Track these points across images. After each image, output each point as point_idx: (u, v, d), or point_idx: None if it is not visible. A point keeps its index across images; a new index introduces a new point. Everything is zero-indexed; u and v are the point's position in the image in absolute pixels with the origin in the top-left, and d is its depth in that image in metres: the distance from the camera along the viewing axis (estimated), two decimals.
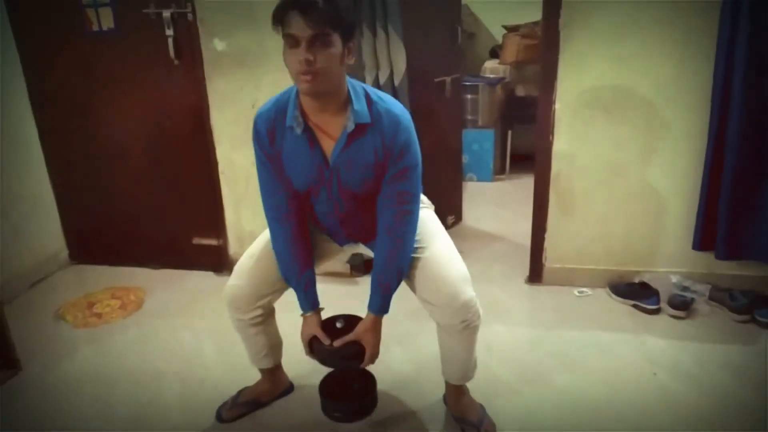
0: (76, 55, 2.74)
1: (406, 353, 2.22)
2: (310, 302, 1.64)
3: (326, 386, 1.72)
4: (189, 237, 2.96)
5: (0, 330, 2.13)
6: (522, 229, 2.94)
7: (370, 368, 1.69)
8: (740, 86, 2.18)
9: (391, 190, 1.52)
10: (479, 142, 4.35)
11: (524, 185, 3.77)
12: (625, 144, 2.46)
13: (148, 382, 2.12)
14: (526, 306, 2.60)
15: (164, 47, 2.61)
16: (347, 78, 1.48)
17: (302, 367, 2.08)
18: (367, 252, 1.79)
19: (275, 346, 1.88)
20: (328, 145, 1.50)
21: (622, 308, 2.50)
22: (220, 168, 2.81)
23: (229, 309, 1.75)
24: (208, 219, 2.90)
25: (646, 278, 2.53)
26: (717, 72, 2.23)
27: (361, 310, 1.67)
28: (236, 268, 1.75)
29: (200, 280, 2.90)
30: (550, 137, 2.51)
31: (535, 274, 2.73)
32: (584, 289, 2.64)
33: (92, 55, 2.73)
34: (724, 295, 2.40)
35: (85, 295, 2.74)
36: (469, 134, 4.18)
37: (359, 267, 2.82)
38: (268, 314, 1.80)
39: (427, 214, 1.72)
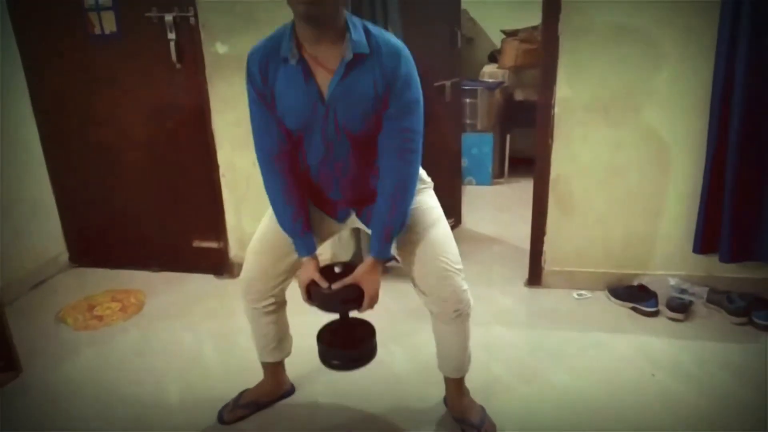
0: (78, 58, 2.76)
1: (406, 353, 2.23)
2: (306, 247, 1.61)
3: (325, 335, 1.69)
4: (189, 240, 2.97)
5: (1, 332, 2.13)
6: (521, 233, 2.96)
7: (369, 314, 1.66)
8: (741, 87, 2.19)
9: (393, 128, 1.47)
10: (478, 145, 4.37)
11: (523, 189, 3.80)
12: (624, 147, 2.48)
13: (149, 385, 2.13)
14: (525, 309, 2.61)
15: (166, 51, 2.62)
16: (346, 12, 1.44)
17: (303, 370, 2.10)
18: (365, 228, 1.74)
19: (284, 339, 1.90)
20: (324, 78, 1.44)
21: (621, 311, 2.51)
22: (221, 171, 2.82)
23: (243, 299, 1.80)
24: (208, 222, 2.91)
25: (644, 281, 2.55)
26: (717, 73, 2.24)
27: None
28: (245, 260, 1.78)
29: (201, 282, 2.91)
30: (550, 141, 2.53)
31: (535, 277, 2.74)
32: (583, 292, 2.65)
33: (94, 59, 2.74)
34: (721, 298, 2.42)
35: (85, 297, 2.75)
36: (468, 138, 4.20)
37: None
38: (281, 303, 1.82)
39: (426, 198, 1.68)
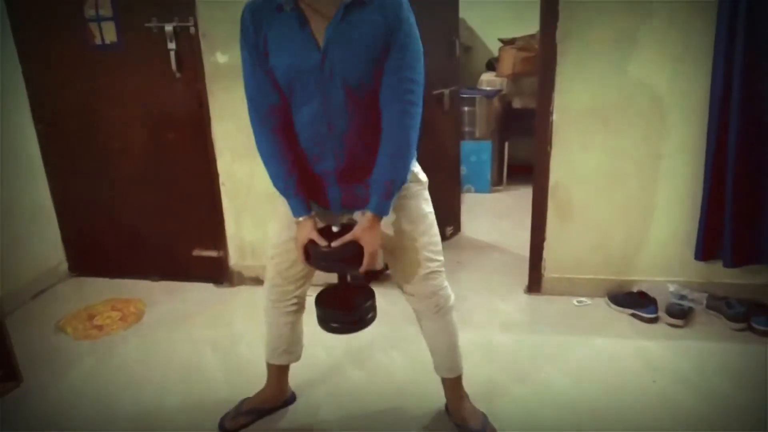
0: (78, 68, 2.77)
1: (406, 359, 2.24)
2: (301, 207, 1.58)
3: (323, 298, 1.66)
4: (189, 248, 2.97)
5: (1, 342, 2.13)
6: (520, 240, 2.96)
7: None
8: (739, 93, 2.21)
9: (395, 79, 1.44)
10: (477, 153, 4.39)
11: (522, 196, 3.81)
12: (622, 154, 2.50)
13: (150, 394, 2.13)
14: (525, 315, 2.61)
15: (166, 60, 2.64)
16: None
17: (305, 378, 2.10)
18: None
19: (295, 343, 1.90)
20: (320, 26, 1.42)
21: (620, 317, 2.52)
22: (221, 180, 2.82)
23: (267, 299, 1.82)
24: (208, 231, 2.91)
25: (644, 287, 2.55)
26: (715, 79, 2.26)
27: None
28: (267, 271, 1.80)
29: (201, 291, 2.91)
30: (548, 148, 2.54)
31: (534, 284, 2.75)
32: (583, 299, 2.66)
33: (94, 69, 2.75)
34: (721, 304, 2.42)
35: (85, 307, 2.74)
36: (466, 146, 4.21)
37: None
38: (301, 306, 1.83)
39: (422, 204, 1.66)
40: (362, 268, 1.55)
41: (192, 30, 2.59)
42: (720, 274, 2.52)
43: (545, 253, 2.69)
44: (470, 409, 1.86)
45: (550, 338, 2.39)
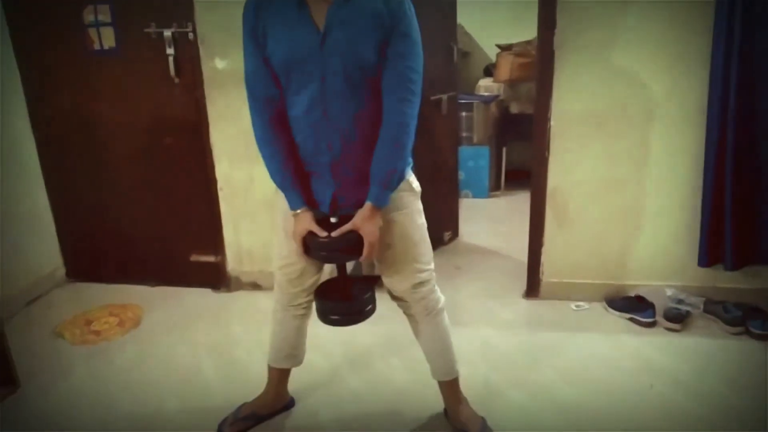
0: (77, 74, 2.77)
1: (405, 365, 2.24)
2: (298, 199, 1.58)
3: (323, 290, 1.67)
4: (187, 254, 2.97)
5: None
6: (518, 245, 2.97)
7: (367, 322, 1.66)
8: (736, 97, 2.23)
9: (395, 68, 1.46)
10: (475, 159, 4.40)
11: (519, 201, 3.82)
12: (619, 159, 2.51)
13: (148, 399, 2.12)
14: (524, 320, 2.62)
15: (165, 66, 2.65)
16: None
17: (303, 383, 2.09)
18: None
19: (299, 348, 1.91)
20: (321, 10, 1.44)
21: (618, 321, 2.52)
22: (219, 185, 2.83)
23: (277, 303, 1.83)
24: (206, 236, 2.91)
25: (641, 292, 2.56)
26: (713, 83, 2.27)
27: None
28: (276, 277, 1.80)
29: (198, 297, 2.91)
30: (546, 153, 2.55)
31: (533, 288, 2.76)
32: (581, 303, 2.66)
33: (93, 74, 2.76)
34: (718, 308, 2.43)
35: (82, 312, 2.74)
36: (464, 151, 4.23)
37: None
38: (309, 310, 1.83)
39: (415, 215, 1.66)
40: (362, 258, 1.55)
41: (190, 35, 2.60)
42: (717, 279, 2.53)
43: (543, 258, 2.70)
44: (469, 414, 1.86)
45: (548, 342, 2.39)
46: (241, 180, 2.78)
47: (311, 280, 1.75)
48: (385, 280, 1.74)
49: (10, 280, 2.76)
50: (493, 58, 4.69)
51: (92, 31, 2.68)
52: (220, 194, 2.84)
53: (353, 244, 1.53)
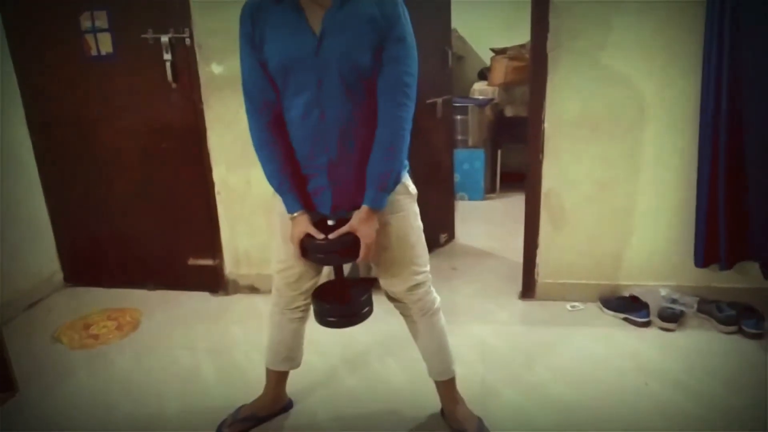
0: (74, 79, 2.79)
1: (401, 366, 2.25)
2: (295, 202, 1.60)
3: (320, 293, 1.69)
4: (185, 257, 2.98)
5: None
6: (514, 246, 3.00)
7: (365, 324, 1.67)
8: (728, 98, 2.26)
9: (389, 71, 1.48)
10: (470, 161, 4.43)
11: (514, 203, 3.85)
12: (613, 162, 2.54)
13: (148, 402, 2.13)
14: (519, 320, 2.63)
15: (162, 71, 2.66)
16: None
17: (302, 384, 2.11)
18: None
19: (297, 350, 1.92)
20: (317, 15, 1.47)
21: (613, 321, 2.55)
22: (217, 189, 2.84)
23: (275, 306, 1.85)
24: (204, 239, 2.93)
25: (636, 292, 2.58)
26: (706, 86, 2.29)
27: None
28: (274, 280, 1.81)
29: (196, 300, 2.92)
30: (540, 156, 2.58)
31: (528, 289, 2.78)
32: (576, 304, 2.69)
33: (90, 80, 2.78)
34: (711, 307, 2.46)
35: (81, 316, 2.75)
36: (459, 154, 4.26)
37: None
38: (306, 314, 1.85)
39: (411, 218, 1.68)
40: (359, 260, 1.57)
41: (187, 41, 2.62)
42: (711, 279, 2.56)
43: (538, 259, 2.72)
44: (466, 413, 1.88)
45: (543, 342, 2.41)
46: (238, 184, 2.80)
47: (309, 284, 1.77)
48: (382, 282, 1.75)
49: (9, 285, 2.77)
50: (488, 62, 4.73)
51: (89, 37, 2.70)
52: (218, 198, 2.86)
53: (350, 246, 1.56)
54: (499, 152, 4.56)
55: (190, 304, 2.88)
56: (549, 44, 2.44)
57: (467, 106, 4.33)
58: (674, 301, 2.51)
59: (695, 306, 2.51)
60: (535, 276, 2.75)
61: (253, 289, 2.95)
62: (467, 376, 2.03)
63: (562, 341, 2.41)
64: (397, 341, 2.36)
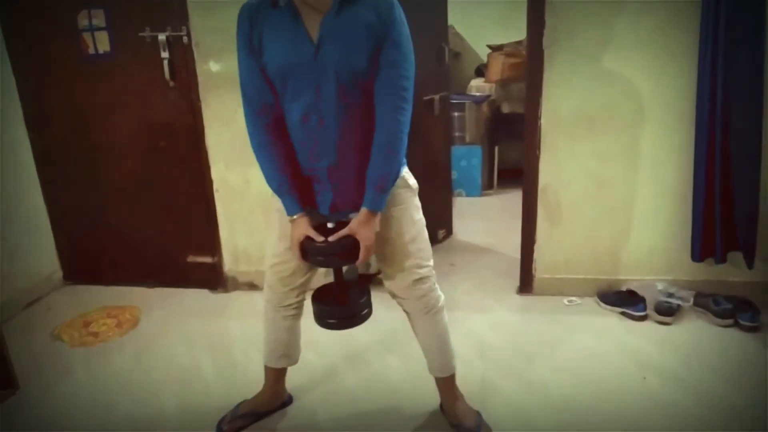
0: (72, 78, 2.79)
1: (401, 362, 2.27)
2: (294, 204, 1.61)
3: (319, 295, 1.70)
4: (184, 255, 2.99)
5: None
6: (511, 242, 3.01)
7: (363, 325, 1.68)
8: (723, 94, 2.27)
9: (388, 75, 1.49)
10: (467, 158, 4.44)
11: (512, 199, 3.86)
12: (609, 158, 2.55)
13: (147, 399, 2.14)
14: (517, 315, 2.65)
15: (160, 69, 2.67)
16: None
17: (301, 381, 2.12)
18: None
19: (293, 347, 1.93)
20: (314, 20, 1.47)
21: (610, 315, 2.56)
22: (215, 186, 2.85)
23: (267, 303, 1.85)
24: (203, 237, 2.94)
25: (633, 286, 2.60)
26: (701, 83, 2.31)
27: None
28: (266, 271, 1.81)
29: (196, 297, 2.93)
30: (537, 152, 2.59)
31: (526, 284, 2.79)
32: (573, 298, 2.70)
33: (88, 78, 2.78)
34: (708, 301, 2.47)
35: (80, 314, 2.76)
36: (457, 151, 4.27)
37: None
38: (299, 312, 1.86)
39: (411, 210, 1.69)
40: (358, 262, 1.58)
41: (185, 39, 2.62)
42: (707, 273, 2.58)
43: (536, 255, 2.74)
44: (465, 408, 1.89)
45: (541, 337, 2.42)
46: (236, 181, 2.81)
47: (302, 280, 1.77)
48: (386, 279, 1.75)
49: (8, 283, 2.78)
50: (485, 59, 4.73)
51: (87, 36, 2.70)
52: (216, 196, 2.87)
53: (349, 248, 1.57)
54: (497, 149, 4.57)
55: (190, 302, 2.89)
56: (545, 41, 2.45)
57: (464, 103, 4.34)
58: (671, 295, 2.52)
59: (692, 300, 2.53)
60: (533, 271, 2.77)
61: (252, 286, 2.96)
62: (465, 370, 2.04)
63: (560, 336, 2.43)
64: (395, 338, 2.38)
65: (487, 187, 4.61)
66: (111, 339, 2.56)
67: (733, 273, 2.55)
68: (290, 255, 1.67)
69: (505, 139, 4.54)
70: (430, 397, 1.97)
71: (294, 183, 1.61)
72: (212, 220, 2.90)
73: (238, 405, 1.99)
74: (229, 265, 2.97)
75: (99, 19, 2.67)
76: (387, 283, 1.76)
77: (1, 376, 2.16)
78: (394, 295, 1.78)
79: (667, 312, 2.46)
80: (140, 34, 2.64)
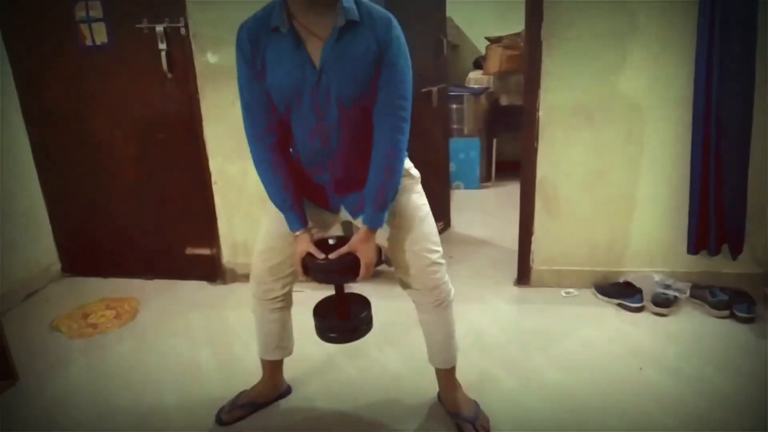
0: (69, 70, 2.79)
1: (400, 354, 2.28)
2: (297, 221, 1.63)
3: (321, 309, 1.72)
4: (182, 247, 3.00)
5: None
6: (509, 234, 3.02)
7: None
8: (719, 85, 2.27)
9: (385, 96, 1.50)
10: (465, 150, 4.44)
11: (510, 192, 3.87)
12: (606, 150, 2.55)
13: (147, 390, 2.15)
14: (515, 307, 2.66)
15: (157, 61, 2.66)
16: None
17: (300, 371, 2.13)
18: (354, 221, 1.77)
19: (286, 338, 1.94)
20: (315, 46, 1.47)
21: (607, 307, 2.58)
22: (213, 178, 2.85)
23: (253, 297, 1.86)
24: (201, 229, 2.94)
25: (630, 278, 2.61)
26: (698, 74, 2.31)
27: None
28: (253, 260, 1.82)
29: (194, 289, 2.94)
30: (535, 144, 2.59)
31: (524, 276, 2.81)
32: (571, 290, 2.72)
33: (86, 70, 2.77)
34: (704, 293, 2.49)
35: (79, 306, 2.76)
36: (455, 143, 4.27)
37: None
38: (288, 303, 1.87)
39: (414, 197, 1.71)
40: (358, 279, 1.61)
41: (183, 31, 2.62)
42: (703, 264, 2.59)
43: (533, 247, 2.75)
44: (463, 398, 1.91)
45: (539, 328, 2.44)
46: (235, 174, 2.81)
47: (288, 270, 1.77)
48: (398, 269, 1.74)
49: (7, 275, 2.78)
50: (483, 51, 4.72)
51: (84, 27, 2.69)
52: (215, 188, 2.87)
53: (350, 265, 1.60)
54: (495, 141, 4.58)
55: (188, 293, 2.90)
56: (543, 33, 2.45)
57: (462, 95, 4.33)
58: (668, 286, 2.54)
59: (688, 291, 2.54)
60: (530, 263, 2.78)
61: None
62: (463, 361, 2.03)
63: (557, 327, 2.44)
64: (394, 329, 2.39)
65: (486, 179, 4.61)
66: (110, 330, 2.57)
67: (729, 265, 2.56)
68: (281, 242, 1.69)
69: (503, 131, 4.54)
70: (427, 386, 1.98)
71: (297, 199, 1.64)
72: (210, 212, 2.90)
73: (238, 395, 2.01)
74: (227, 257, 2.98)
75: (96, 10, 2.66)
76: (399, 273, 1.75)
77: (1, 367, 2.17)
78: (406, 286, 1.77)
79: (664, 303, 2.47)
80: (137, 25, 2.63)
